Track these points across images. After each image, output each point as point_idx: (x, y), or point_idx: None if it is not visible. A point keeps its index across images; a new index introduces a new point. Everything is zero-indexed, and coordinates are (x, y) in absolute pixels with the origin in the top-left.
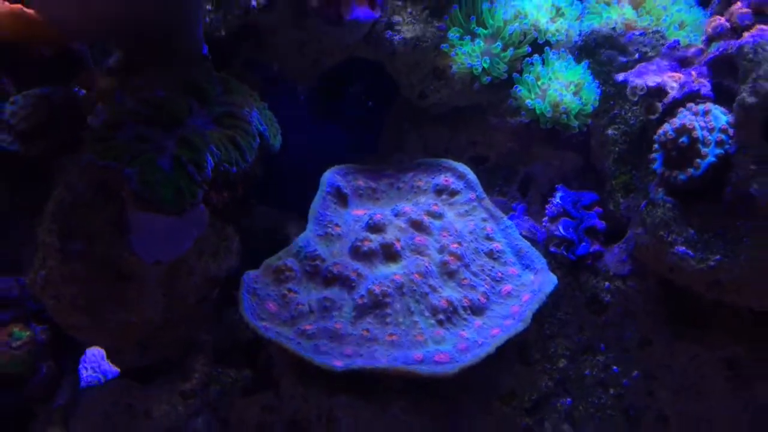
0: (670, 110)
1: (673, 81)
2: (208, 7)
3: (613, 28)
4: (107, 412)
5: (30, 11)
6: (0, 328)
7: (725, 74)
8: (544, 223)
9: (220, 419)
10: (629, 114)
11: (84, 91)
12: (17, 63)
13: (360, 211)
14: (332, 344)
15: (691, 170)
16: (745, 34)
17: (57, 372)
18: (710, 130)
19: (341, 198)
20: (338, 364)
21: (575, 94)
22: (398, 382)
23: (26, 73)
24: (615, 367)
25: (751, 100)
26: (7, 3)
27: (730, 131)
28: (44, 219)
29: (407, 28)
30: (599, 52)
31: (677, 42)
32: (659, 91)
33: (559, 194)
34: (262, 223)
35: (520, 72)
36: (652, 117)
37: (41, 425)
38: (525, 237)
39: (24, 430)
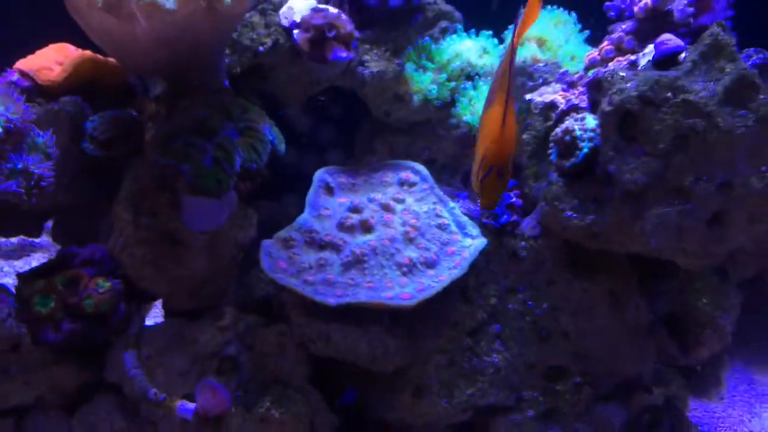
0: (560, 118)
1: (561, 98)
2: (227, 51)
3: (524, 62)
4: (167, 339)
5: (100, 56)
6: (89, 280)
7: (596, 92)
8: (478, 204)
9: (247, 345)
10: (536, 123)
11: (136, 114)
12: (92, 94)
13: (343, 199)
14: (327, 288)
15: (573, 159)
16: (610, 64)
17: (129, 312)
18: (585, 131)
19: (329, 190)
20: (332, 300)
21: None
22: (375, 314)
23: (98, 101)
24: (530, 302)
25: (608, 108)
26: (87, 51)
27: (598, 130)
28: (120, 202)
29: (374, 64)
30: (517, 78)
31: (567, 70)
32: (552, 105)
33: None
34: (269, 209)
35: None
36: (549, 124)
37: (120, 348)
38: (465, 215)
39: (102, 357)
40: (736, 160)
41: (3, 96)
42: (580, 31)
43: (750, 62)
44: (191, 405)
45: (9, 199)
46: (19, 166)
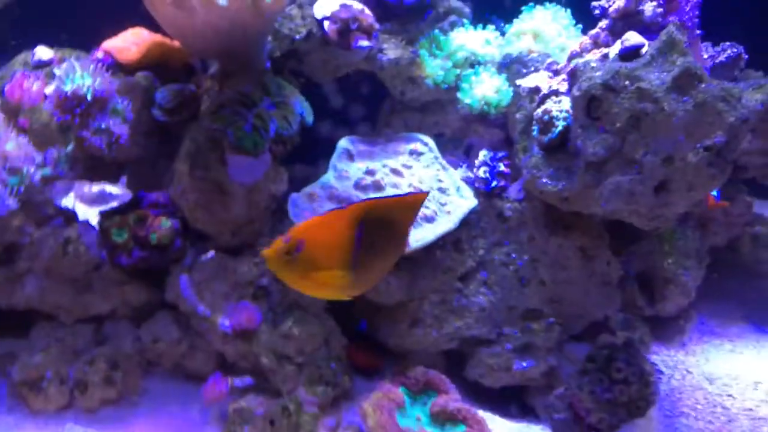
0: (542, 101)
1: (545, 84)
2: (270, 38)
3: (521, 52)
4: (213, 269)
5: (168, 40)
6: (154, 219)
7: (574, 80)
8: (474, 172)
9: (276, 278)
10: (525, 105)
11: (195, 88)
12: (160, 70)
13: (361, 164)
14: None
15: (549, 135)
16: (586, 56)
17: (184, 246)
18: (560, 111)
19: (349, 156)
20: None
21: (496, 93)
22: None
23: (165, 76)
24: (513, 254)
25: (577, 93)
26: (158, 35)
27: (571, 111)
28: (180, 157)
29: (391, 51)
30: (512, 66)
31: (554, 61)
32: (536, 90)
33: (484, 152)
34: (305, 172)
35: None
36: (534, 105)
37: (176, 275)
38: (463, 180)
39: (162, 281)
40: (677, 137)
41: (93, 70)
42: (575, 25)
43: (725, 56)
44: (230, 321)
45: (94, 152)
46: (103, 126)
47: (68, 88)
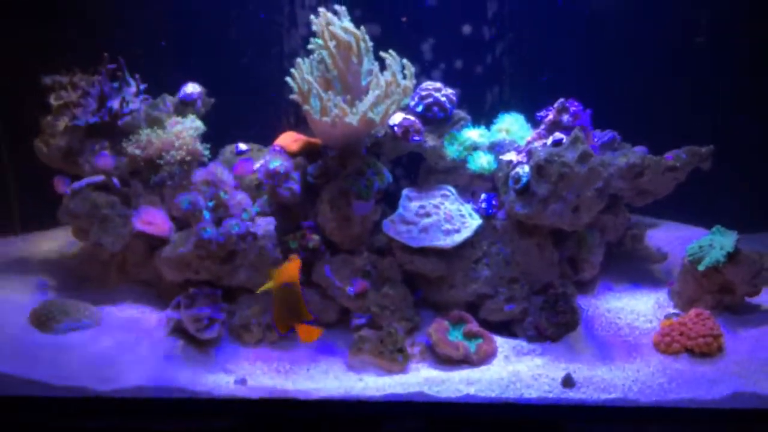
0: (514, 167)
1: (515, 158)
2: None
3: (500, 140)
4: (341, 262)
5: (309, 138)
6: (309, 235)
7: (529, 156)
8: (478, 205)
9: (374, 266)
10: (504, 169)
11: (323, 164)
12: (308, 155)
13: (416, 203)
14: (412, 239)
15: (519, 185)
16: (535, 143)
17: (325, 250)
18: (525, 172)
19: (409, 198)
20: (414, 244)
21: (488, 163)
22: (433, 251)
23: (310, 158)
24: (501, 248)
25: (532, 163)
26: (302, 135)
27: (529, 172)
28: (323, 202)
29: (431, 141)
30: (495, 148)
31: (519, 145)
32: (510, 161)
33: (483, 195)
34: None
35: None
36: (509, 169)
37: (321, 265)
38: (473, 209)
39: (311, 270)
40: (581, 185)
41: (280, 156)
42: (528, 124)
43: (606, 137)
44: (352, 288)
45: (282, 200)
46: (288, 185)
47: (272, 166)
